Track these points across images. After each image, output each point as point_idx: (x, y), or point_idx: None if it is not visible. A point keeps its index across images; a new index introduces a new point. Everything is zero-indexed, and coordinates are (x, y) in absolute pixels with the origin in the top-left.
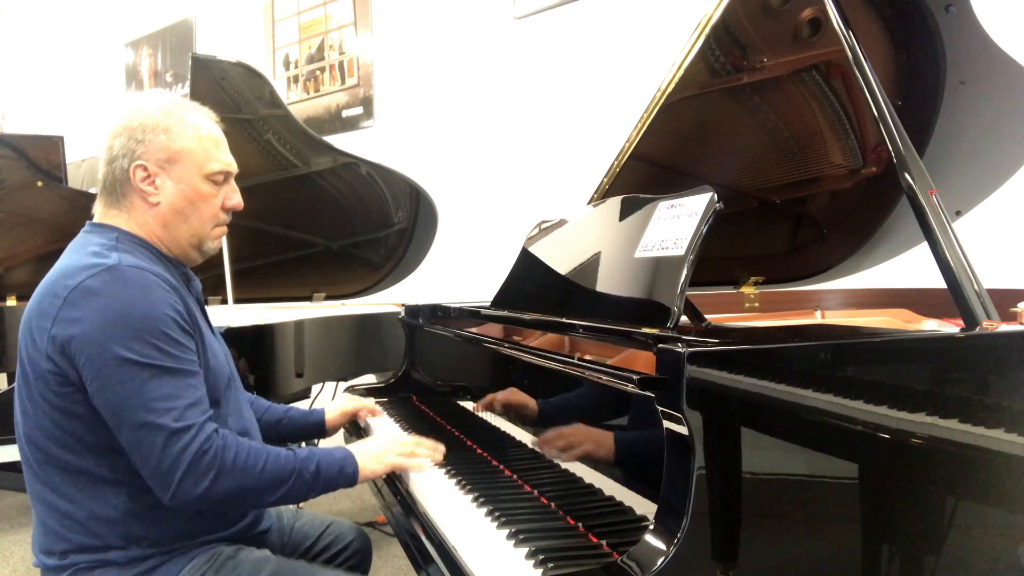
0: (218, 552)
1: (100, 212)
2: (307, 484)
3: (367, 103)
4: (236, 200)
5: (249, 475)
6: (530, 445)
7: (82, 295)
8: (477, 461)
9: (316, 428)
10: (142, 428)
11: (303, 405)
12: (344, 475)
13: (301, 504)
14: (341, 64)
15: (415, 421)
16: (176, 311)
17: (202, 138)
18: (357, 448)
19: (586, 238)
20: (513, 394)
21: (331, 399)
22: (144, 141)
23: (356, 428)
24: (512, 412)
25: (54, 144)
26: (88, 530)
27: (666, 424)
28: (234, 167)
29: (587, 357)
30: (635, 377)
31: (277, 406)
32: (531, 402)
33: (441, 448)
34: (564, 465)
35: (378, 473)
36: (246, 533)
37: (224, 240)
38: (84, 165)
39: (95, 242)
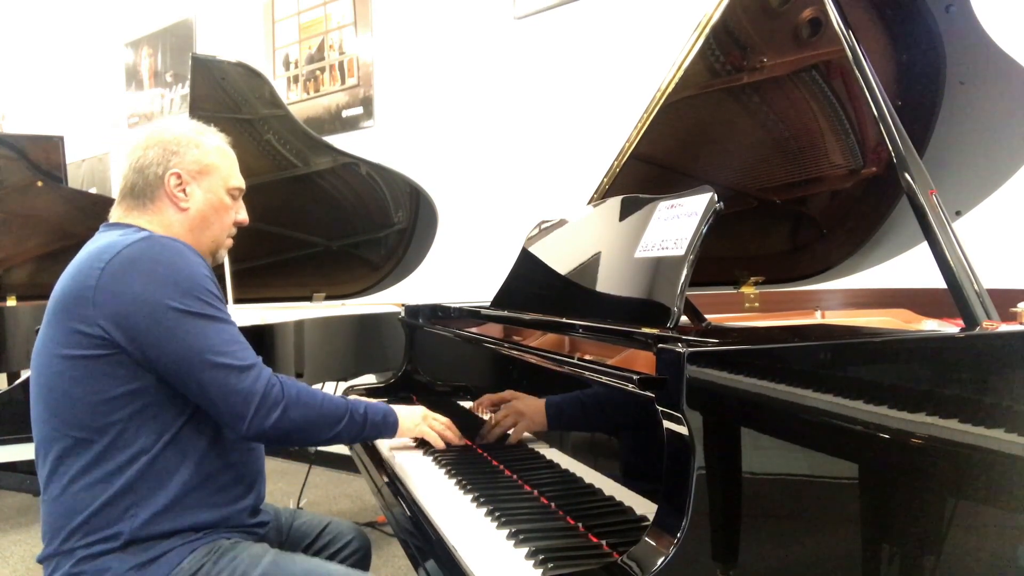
0: (218, 545)
1: (119, 215)
2: (358, 425)
3: (367, 103)
4: (244, 216)
5: (312, 408)
6: (530, 445)
7: (124, 262)
8: (477, 461)
9: None
10: (212, 369)
11: None
12: (387, 424)
13: (302, 504)
14: (341, 64)
15: None
16: (211, 273)
17: (226, 156)
18: (397, 407)
19: (586, 238)
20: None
21: None
22: (179, 152)
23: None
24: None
25: (54, 144)
26: (97, 504)
27: (666, 424)
28: (244, 186)
29: (587, 357)
30: (635, 377)
31: None
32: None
33: (462, 440)
34: (564, 465)
35: (412, 433)
36: (246, 521)
37: None
38: (84, 165)
39: (117, 233)
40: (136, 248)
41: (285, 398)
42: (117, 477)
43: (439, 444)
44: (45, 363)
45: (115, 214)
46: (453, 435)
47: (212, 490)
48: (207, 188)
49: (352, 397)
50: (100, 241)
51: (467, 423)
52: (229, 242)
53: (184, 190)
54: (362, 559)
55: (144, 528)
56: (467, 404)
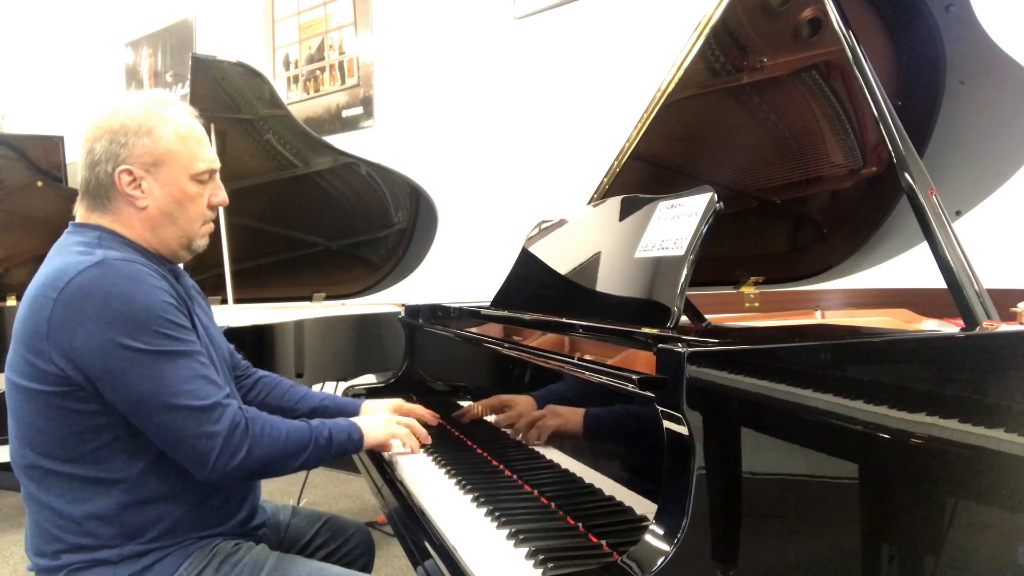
0: (217, 549)
1: (82, 215)
2: (323, 449)
3: (367, 103)
4: (221, 196)
5: (277, 443)
6: (530, 445)
7: (76, 295)
8: (477, 461)
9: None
10: (170, 412)
11: None
12: (352, 441)
13: (302, 504)
14: (341, 64)
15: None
16: (171, 296)
17: (186, 137)
18: (360, 419)
19: (586, 238)
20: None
21: None
22: (127, 144)
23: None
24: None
25: (54, 144)
26: (82, 529)
27: (666, 424)
28: (218, 164)
29: (587, 357)
30: (635, 377)
31: (312, 393)
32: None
33: (428, 437)
34: (564, 465)
35: (380, 440)
36: (242, 528)
37: (224, 240)
38: None
39: (77, 241)
40: (88, 276)
41: (249, 437)
42: (98, 503)
43: (413, 444)
44: (10, 390)
45: (79, 213)
46: (422, 431)
47: (202, 513)
48: (165, 180)
49: (317, 421)
50: (59, 258)
51: (468, 423)
52: (205, 229)
53: (139, 187)
54: (364, 553)
55: (133, 548)
56: (467, 404)
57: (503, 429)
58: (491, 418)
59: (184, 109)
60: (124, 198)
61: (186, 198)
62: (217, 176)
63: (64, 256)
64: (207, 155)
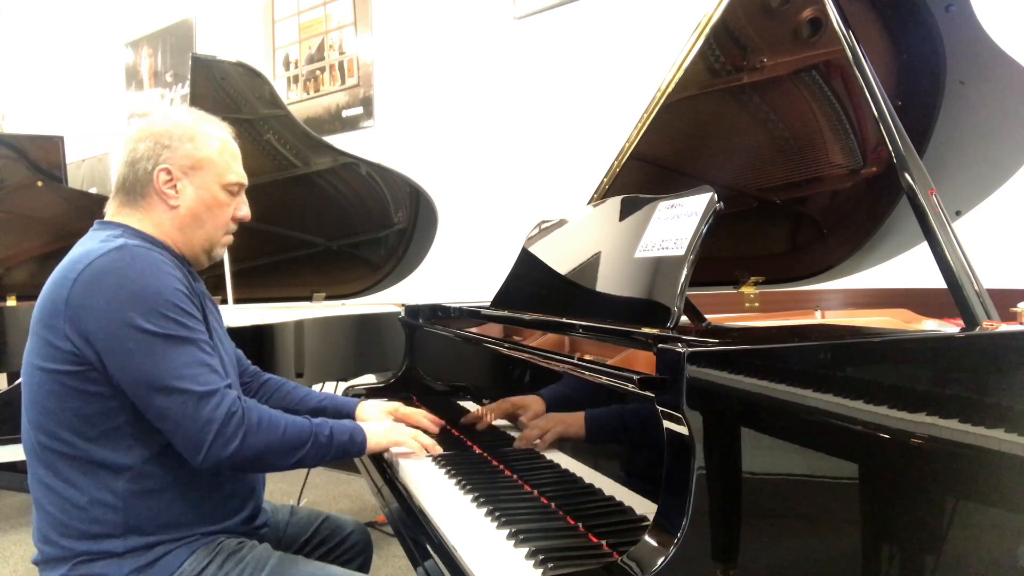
0: (222, 546)
1: (113, 211)
2: (322, 448)
3: (367, 103)
4: (245, 211)
5: (273, 436)
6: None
7: (94, 275)
8: (477, 461)
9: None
10: (171, 394)
11: None
12: (354, 443)
13: (302, 502)
14: (341, 64)
15: None
16: (184, 286)
17: (224, 150)
18: (365, 423)
19: (586, 238)
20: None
21: None
22: (171, 147)
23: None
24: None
25: (54, 144)
26: (87, 515)
27: (666, 424)
28: (246, 180)
29: (587, 357)
30: (635, 377)
31: (313, 393)
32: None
33: (437, 448)
34: (564, 465)
35: (382, 446)
36: (244, 527)
37: None
38: (84, 165)
39: (102, 235)
40: (108, 259)
41: (245, 426)
42: (104, 490)
43: (420, 453)
44: (27, 373)
45: (109, 210)
46: (426, 440)
47: (206, 508)
48: (199, 184)
49: (319, 419)
50: (82, 246)
51: (468, 423)
52: (227, 239)
53: (174, 187)
54: (362, 551)
55: (139, 540)
56: (467, 404)
57: (510, 433)
58: (498, 422)
59: (225, 127)
60: (158, 195)
61: (216, 204)
62: (244, 193)
63: (87, 245)
64: (239, 170)
